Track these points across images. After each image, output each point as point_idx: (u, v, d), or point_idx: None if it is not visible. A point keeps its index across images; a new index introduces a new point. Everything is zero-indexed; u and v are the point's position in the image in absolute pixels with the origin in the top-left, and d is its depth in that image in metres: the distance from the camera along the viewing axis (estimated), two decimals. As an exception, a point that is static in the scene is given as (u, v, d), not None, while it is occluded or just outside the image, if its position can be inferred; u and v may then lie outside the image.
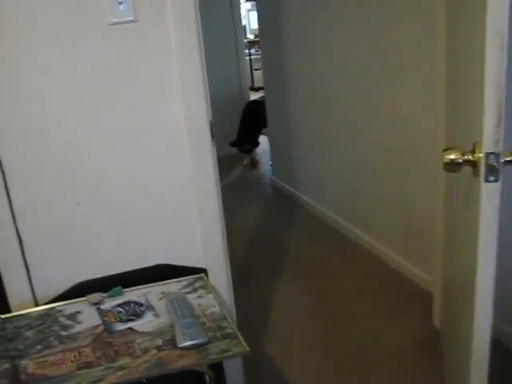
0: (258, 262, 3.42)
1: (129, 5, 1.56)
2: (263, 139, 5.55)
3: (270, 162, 5.02)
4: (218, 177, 1.85)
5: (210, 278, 1.89)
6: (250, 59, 9.87)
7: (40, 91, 1.60)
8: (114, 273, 1.80)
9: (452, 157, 1.27)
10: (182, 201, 1.81)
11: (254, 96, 6.55)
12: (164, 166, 1.76)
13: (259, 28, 4.75)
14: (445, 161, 1.27)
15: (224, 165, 5.66)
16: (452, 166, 1.28)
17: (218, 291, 1.91)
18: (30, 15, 1.52)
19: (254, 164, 5.47)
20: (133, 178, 1.75)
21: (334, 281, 3.08)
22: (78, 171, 1.70)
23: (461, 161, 1.26)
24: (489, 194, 1.22)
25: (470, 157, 1.26)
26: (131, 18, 1.58)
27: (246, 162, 5.53)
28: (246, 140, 5.33)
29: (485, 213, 1.25)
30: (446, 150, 1.29)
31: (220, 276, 1.92)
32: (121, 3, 1.54)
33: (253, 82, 9.92)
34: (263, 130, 5.28)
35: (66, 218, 1.74)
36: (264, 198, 4.63)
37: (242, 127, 5.37)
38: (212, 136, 1.75)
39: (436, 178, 2.46)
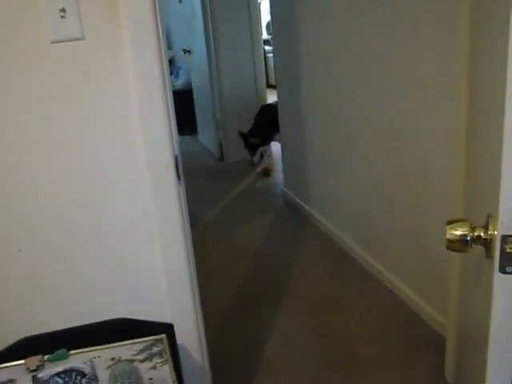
0: (257, 287, 3.13)
1: (73, 18, 1.29)
2: (277, 146, 5.26)
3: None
4: (187, 218, 1.58)
5: (178, 334, 1.63)
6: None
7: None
8: (64, 327, 1.55)
9: (459, 232, 0.97)
10: (143, 247, 1.55)
11: (272, 95, 6.25)
12: (120, 208, 1.49)
13: (272, 23, 4.46)
14: (448, 237, 0.98)
15: (236, 172, 5.49)
16: (458, 245, 0.98)
17: (187, 349, 1.65)
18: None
19: (266, 173, 5.18)
20: (85, 222, 1.48)
21: (340, 317, 2.78)
22: (21, 214, 1.44)
23: (469, 239, 0.96)
24: (505, 288, 0.92)
25: (482, 233, 0.96)
26: (77, 35, 1.31)
27: (258, 170, 5.24)
28: (255, 135, 5.09)
29: (499, 309, 0.95)
30: (451, 222, 0.99)
31: (189, 332, 1.65)
32: (63, 17, 1.27)
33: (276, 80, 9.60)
34: (276, 137, 4.98)
35: (7, 265, 1.49)
36: (273, 212, 4.33)
37: (254, 126, 5.13)
38: (178, 174, 1.47)
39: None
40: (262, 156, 5.30)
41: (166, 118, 1.40)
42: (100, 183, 1.45)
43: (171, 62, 8.71)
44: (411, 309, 2.75)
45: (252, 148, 5.21)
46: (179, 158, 1.47)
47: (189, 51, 6.32)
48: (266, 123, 5.01)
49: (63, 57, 1.32)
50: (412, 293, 2.77)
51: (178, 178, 1.47)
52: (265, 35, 9.95)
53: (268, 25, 10.25)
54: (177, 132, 1.47)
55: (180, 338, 1.63)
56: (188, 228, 1.57)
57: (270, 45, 9.92)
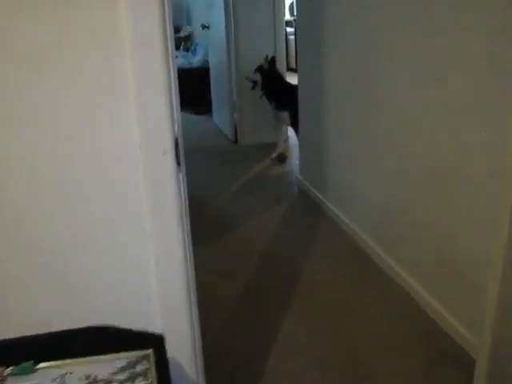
0: (265, 285, 2.90)
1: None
2: (292, 131, 5.00)
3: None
4: (187, 211, 1.33)
5: (169, 347, 1.39)
6: (296, 38, 9.28)
7: None
8: (35, 333, 1.31)
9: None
10: (132, 242, 1.30)
11: (291, 78, 5.97)
12: (107, 196, 1.25)
13: (297, 2, 4.17)
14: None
15: (249, 156, 5.24)
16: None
17: (179, 364, 1.42)
18: None
19: (282, 158, 4.92)
20: (63, 210, 1.24)
21: (353, 323, 2.53)
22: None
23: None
24: None
25: None
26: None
27: (274, 155, 4.98)
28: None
29: None
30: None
31: (183, 344, 1.42)
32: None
33: (297, 64, 9.32)
34: (282, 116, 4.79)
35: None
36: (287, 201, 4.08)
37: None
38: (178, 160, 1.22)
39: (498, 223, 1.89)
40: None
41: (166, 92, 1.15)
42: (83, 165, 1.20)
43: (189, 38, 8.46)
44: (434, 320, 2.49)
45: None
46: (180, 141, 1.22)
47: (207, 27, 6.04)
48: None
49: (40, 11, 1.07)
50: (436, 302, 2.51)
51: (178, 164, 1.22)
52: (287, 16, 9.63)
53: (291, 6, 9.93)
54: (179, 110, 1.22)
55: (172, 351, 1.40)
56: (187, 222, 1.33)
57: (291, 26, 9.62)
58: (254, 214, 3.81)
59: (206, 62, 6.83)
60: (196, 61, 7.45)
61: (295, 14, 9.61)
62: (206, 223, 3.64)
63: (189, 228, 1.34)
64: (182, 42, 8.20)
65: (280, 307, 2.65)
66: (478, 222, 2.17)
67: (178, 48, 7.97)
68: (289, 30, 9.35)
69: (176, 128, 1.20)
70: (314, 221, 3.67)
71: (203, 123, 6.59)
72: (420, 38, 2.42)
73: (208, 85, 6.54)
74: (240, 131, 5.50)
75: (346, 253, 3.21)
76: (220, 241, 3.40)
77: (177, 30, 8.45)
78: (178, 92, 1.20)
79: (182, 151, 1.23)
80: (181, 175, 1.24)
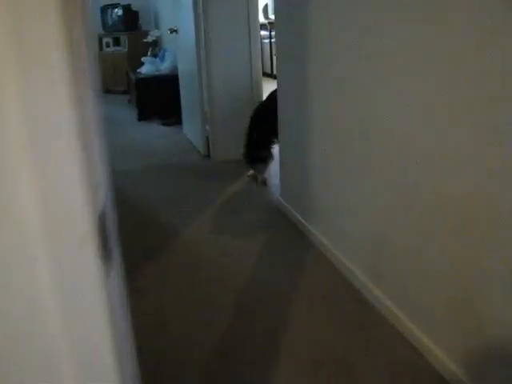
0: (241, 338, 2.36)
1: None
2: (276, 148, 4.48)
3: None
4: (128, 328, 0.81)
5: None
6: (271, 42, 8.83)
7: None
8: None
9: None
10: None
11: (266, 84, 5.47)
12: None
13: (275, 4, 3.67)
14: None
15: (224, 173, 4.63)
16: None
17: None
18: None
19: (257, 177, 4.37)
20: None
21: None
22: None
23: None
24: None
25: None
26: None
27: (250, 172, 4.43)
28: (257, 150, 4.19)
29: None
30: None
31: None
32: None
33: (272, 68, 8.88)
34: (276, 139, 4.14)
35: None
36: (266, 227, 3.53)
37: (250, 135, 4.26)
38: (106, 252, 0.70)
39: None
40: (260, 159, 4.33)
41: (77, 130, 0.62)
42: None
43: (157, 43, 7.96)
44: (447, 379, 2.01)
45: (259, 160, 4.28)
46: (110, 218, 0.70)
47: (176, 31, 5.51)
48: (265, 126, 4.16)
49: None
50: (451, 363, 2.01)
51: (107, 258, 0.69)
52: (261, 19, 9.18)
53: (265, 8, 9.47)
54: (105, 161, 0.69)
55: None
56: (132, 350, 0.80)
57: (265, 29, 9.16)
58: (227, 243, 3.29)
59: (176, 68, 6.32)
60: (164, 68, 6.94)
61: (269, 16, 9.16)
62: (171, 257, 3.12)
63: (134, 357, 0.81)
64: (150, 47, 7.70)
65: (258, 366, 2.14)
66: (509, 269, 1.69)
67: (145, 54, 7.51)
68: (263, 33, 8.88)
69: (101, 196, 0.67)
70: (297, 251, 3.15)
71: (172, 135, 6.05)
72: (419, 38, 1.94)
73: (178, 93, 6.02)
74: (213, 145, 4.98)
75: (334, 292, 2.69)
76: (187, 276, 2.88)
77: (144, 34, 7.99)
78: (102, 131, 0.68)
79: (113, 235, 0.71)
80: (113, 276, 0.71)
